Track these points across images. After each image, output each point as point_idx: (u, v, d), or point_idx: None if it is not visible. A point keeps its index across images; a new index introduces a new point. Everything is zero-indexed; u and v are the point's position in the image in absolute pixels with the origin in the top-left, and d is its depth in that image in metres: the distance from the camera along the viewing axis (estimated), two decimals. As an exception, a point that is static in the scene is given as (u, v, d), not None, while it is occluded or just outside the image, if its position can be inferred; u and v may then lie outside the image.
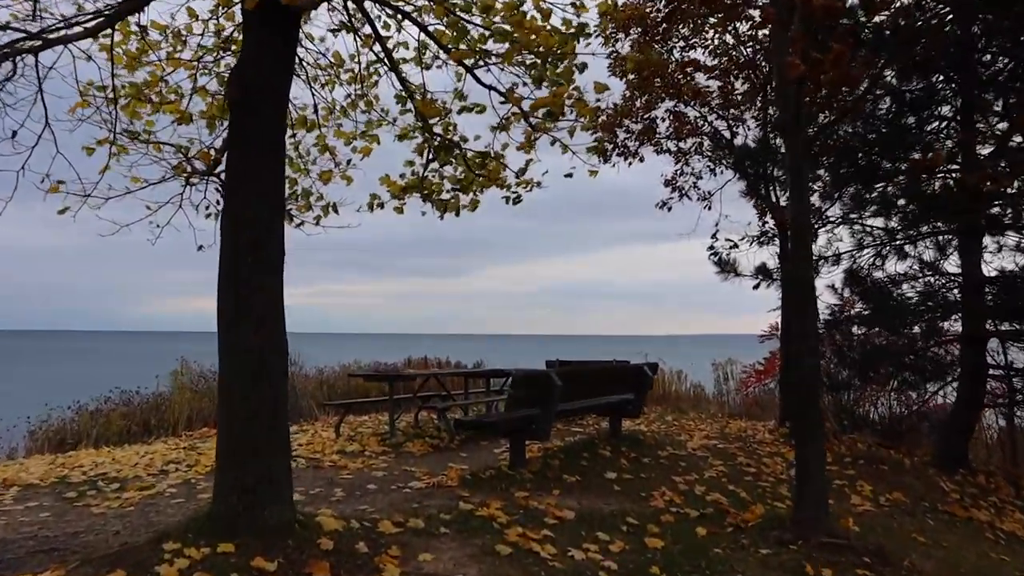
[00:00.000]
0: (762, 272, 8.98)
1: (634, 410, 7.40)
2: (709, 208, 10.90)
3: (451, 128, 5.84)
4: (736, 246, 9.77)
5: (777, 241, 9.48)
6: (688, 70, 9.79)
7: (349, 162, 6.33)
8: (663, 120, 10.59)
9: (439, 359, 16.20)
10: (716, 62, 9.94)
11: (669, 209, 11.04)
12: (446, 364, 15.54)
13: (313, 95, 6.08)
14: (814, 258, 9.25)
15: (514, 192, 6.26)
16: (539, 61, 4.76)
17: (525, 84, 5.40)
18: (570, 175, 6.37)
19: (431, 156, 5.68)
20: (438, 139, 5.45)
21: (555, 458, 6.27)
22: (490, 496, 4.98)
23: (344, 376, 14.54)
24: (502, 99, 5.49)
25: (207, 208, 5.57)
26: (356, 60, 6.00)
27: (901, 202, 8.35)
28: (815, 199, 9.41)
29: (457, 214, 6.35)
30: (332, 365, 15.20)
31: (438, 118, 5.43)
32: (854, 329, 8.35)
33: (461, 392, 9.37)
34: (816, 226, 9.13)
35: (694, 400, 14.88)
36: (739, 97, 10.25)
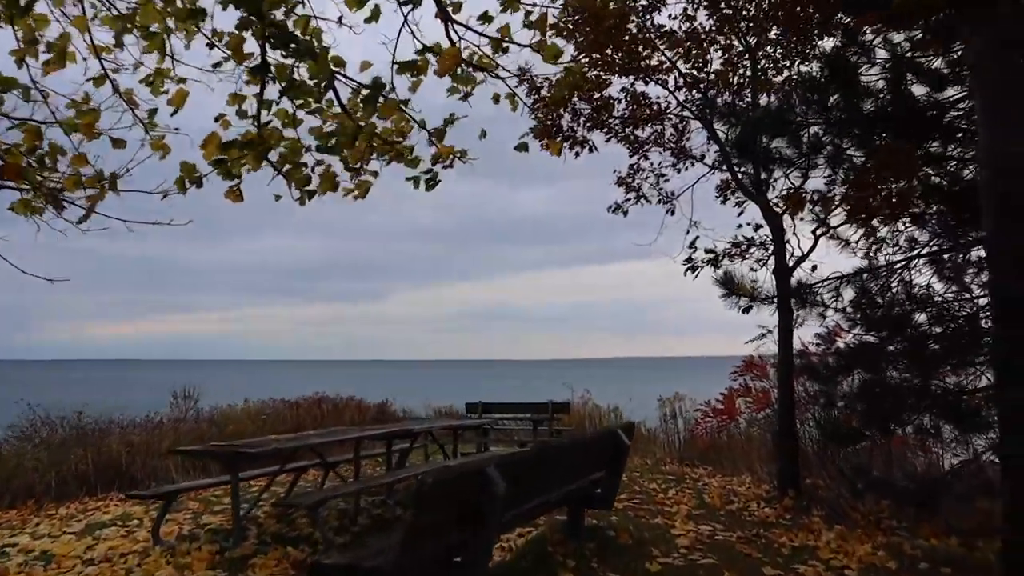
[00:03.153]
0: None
1: (605, 496, 4.92)
2: (672, 213, 8.75)
3: (313, 31, 3.31)
4: (716, 258, 7.59)
5: (770, 248, 7.34)
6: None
7: (155, 112, 3.72)
8: (618, 101, 8.41)
9: (337, 398, 13.24)
10: (687, 26, 7.82)
11: (625, 214, 8.84)
12: (343, 405, 12.63)
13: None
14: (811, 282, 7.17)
15: (427, 171, 3.86)
16: None
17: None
18: (524, 147, 4.18)
19: (267, 75, 3.10)
20: (272, 29, 2.87)
21: (491, 600, 3.75)
22: None
23: (225, 422, 11.37)
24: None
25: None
26: None
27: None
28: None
29: (334, 189, 3.85)
30: (221, 405, 12.09)
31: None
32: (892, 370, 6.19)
33: (350, 457, 6.61)
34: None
35: (635, 440, 12.73)
36: (712, 75, 8.18)
